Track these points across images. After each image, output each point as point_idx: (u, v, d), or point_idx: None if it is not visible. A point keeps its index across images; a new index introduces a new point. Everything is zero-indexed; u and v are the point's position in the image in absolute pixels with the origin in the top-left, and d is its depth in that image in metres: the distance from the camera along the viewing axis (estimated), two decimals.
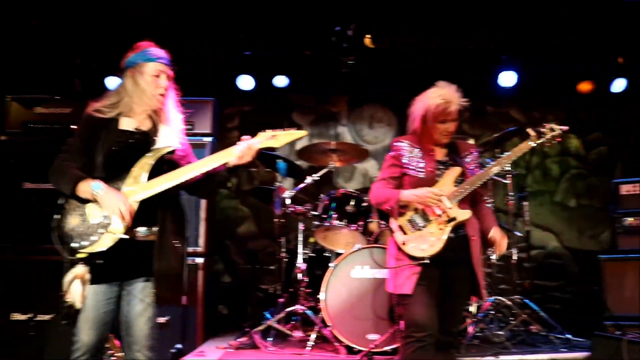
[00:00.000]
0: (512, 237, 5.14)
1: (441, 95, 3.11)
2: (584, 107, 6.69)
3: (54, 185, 2.71)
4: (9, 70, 5.21)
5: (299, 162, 5.80)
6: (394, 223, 3.12)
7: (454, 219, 3.03)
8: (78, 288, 2.58)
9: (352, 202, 4.72)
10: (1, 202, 4.35)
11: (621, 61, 6.02)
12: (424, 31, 5.74)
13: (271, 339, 4.58)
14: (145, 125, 2.83)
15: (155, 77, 2.82)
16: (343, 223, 4.68)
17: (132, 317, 2.70)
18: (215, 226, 5.79)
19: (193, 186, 2.91)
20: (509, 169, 5.00)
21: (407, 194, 3.08)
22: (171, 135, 2.84)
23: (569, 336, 4.59)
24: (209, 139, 5.00)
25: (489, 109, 6.85)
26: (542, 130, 3.14)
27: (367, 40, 5.63)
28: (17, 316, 4.15)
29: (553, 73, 6.33)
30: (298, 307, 4.64)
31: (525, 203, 5.20)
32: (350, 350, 4.20)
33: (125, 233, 2.62)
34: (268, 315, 4.88)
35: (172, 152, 2.81)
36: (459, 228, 3.09)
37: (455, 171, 3.15)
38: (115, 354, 3.50)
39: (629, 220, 4.90)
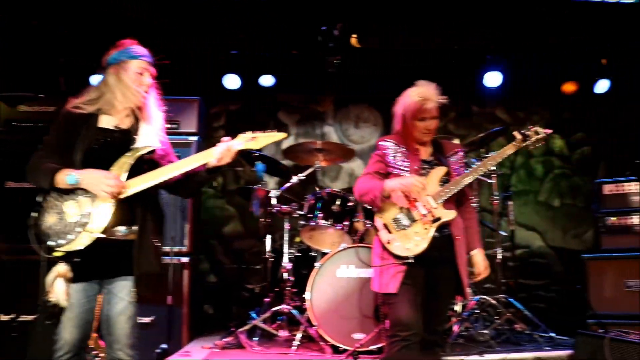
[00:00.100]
0: (496, 236, 5.18)
1: (419, 93, 3.14)
2: (568, 108, 6.77)
3: (33, 183, 2.70)
4: None
5: (284, 162, 5.80)
6: (378, 221, 3.13)
7: (439, 218, 3.05)
8: (61, 286, 2.57)
9: (338, 202, 4.72)
10: None
11: (604, 62, 6.08)
12: (410, 31, 5.76)
13: (257, 338, 4.58)
14: (126, 124, 2.83)
15: (139, 75, 2.81)
16: (329, 222, 4.68)
17: (113, 316, 2.69)
18: (200, 226, 5.78)
19: (173, 186, 2.91)
20: (494, 168, 5.03)
21: (391, 183, 3.08)
22: (152, 134, 2.84)
23: (553, 334, 4.63)
24: (195, 138, 4.99)
25: (475, 109, 6.89)
26: (527, 133, 3.17)
27: (354, 40, 5.64)
28: (0, 317, 4.11)
29: (538, 74, 6.38)
30: (284, 307, 4.64)
31: (509, 202, 5.23)
32: (335, 350, 4.21)
33: (104, 232, 2.62)
34: (254, 315, 4.88)
35: (152, 151, 2.81)
36: (444, 228, 3.10)
37: (441, 171, 3.16)
38: (100, 354, 3.49)
39: (612, 219, 4.95)
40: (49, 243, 2.59)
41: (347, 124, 6.89)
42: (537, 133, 3.15)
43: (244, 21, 5.54)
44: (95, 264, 2.65)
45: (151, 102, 2.89)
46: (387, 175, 3.20)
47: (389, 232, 3.08)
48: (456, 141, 4.65)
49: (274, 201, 4.94)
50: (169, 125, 4.94)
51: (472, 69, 6.32)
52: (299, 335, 4.37)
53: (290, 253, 4.99)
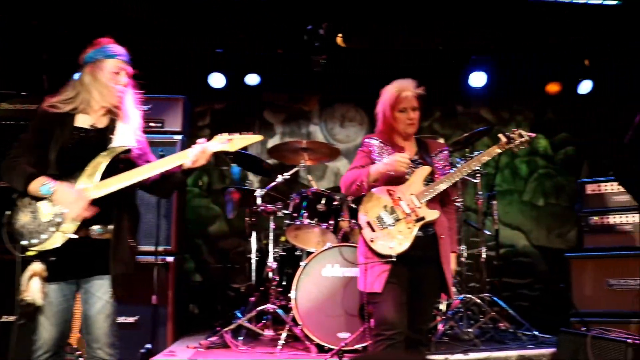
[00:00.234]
0: (481, 235, 5.21)
1: (395, 86, 3.20)
2: (552, 108, 6.83)
3: (8, 182, 2.68)
4: None
5: (270, 161, 5.79)
6: (362, 219, 3.14)
7: (422, 218, 3.06)
8: (37, 285, 2.56)
9: (323, 201, 4.72)
10: None
11: (587, 64, 6.14)
12: (396, 32, 5.78)
13: (242, 338, 4.57)
14: (102, 123, 2.82)
15: (115, 74, 2.80)
16: (314, 222, 4.68)
17: (91, 315, 2.69)
18: (186, 225, 5.76)
19: (150, 186, 2.92)
20: (478, 168, 5.05)
21: (376, 166, 3.10)
22: (128, 134, 2.83)
23: (537, 333, 4.66)
24: (179, 136, 4.97)
25: (459, 108, 6.93)
26: (511, 135, 3.19)
27: (339, 40, 5.65)
28: None
29: (522, 74, 6.43)
30: (269, 306, 4.63)
31: (494, 202, 5.26)
32: (321, 349, 4.21)
33: (79, 232, 2.61)
34: (239, 314, 4.88)
35: (129, 151, 2.80)
36: (428, 227, 3.11)
37: (425, 170, 3.17)
38: (83, 355, 3.47)
39: (594, 219, 5.00)
40: (22, 242, 2.58)
41: (332, 123, 6.90)
42: (521, 136, 3.18)
43: (230, 20, 5.53)
44: (71, 263, 2.65)
45: (128, 101, 2.87)
46: None
47: (373, 230, 3.09)
48: (441, 141, 4.68)
49: (259, 200, 4.93)
50: (153, 124, 4.98)
51: (457, 69, 6.35)
52: (284, 335, 4.36)
53: (275, 252, 4.98)
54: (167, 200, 4.77)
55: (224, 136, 2.86)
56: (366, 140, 3.30)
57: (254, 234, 5.21)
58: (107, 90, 2.77)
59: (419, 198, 3.09)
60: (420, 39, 5.84)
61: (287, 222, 4.85)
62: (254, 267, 5.15)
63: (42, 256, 2.58)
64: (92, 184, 2.65)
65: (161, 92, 5.13)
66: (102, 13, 5.14)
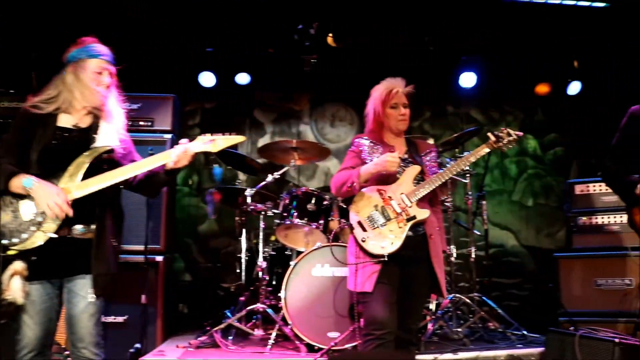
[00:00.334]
0: (471, 235, 5.23)
1: (386, 84, 3.25)
2: (542, 109, 6.87)
3: None
4: None
5: (260, 160, 5.78)
6: (353, 219, 3.14)
7: (413, 217, 3.07)
8: (18, 284, 2.55)
9: (313, 201, 4.72)
10: None
11: (576, 65, 6.17)
12: (387, 32, 5.78)
13: (232, 337, 4.56)
14: (85, 122, 2.80)
15: (98, 74, 2.79)
16: (304, 221, 4.68)
17: (75, 315, 2.68)
18: (175, 224, 5.74)
19: (136, 185, 2.92)
20: (468, 168, 5.07)
21: (366, 166, 3.11)
22: (112, 134, 2.82)
23: (525, 332, 4.68)
24: (169, 135, 4.94)
25: (450, 109, 6.96)
26: (499, 134, 3.21)
27: (330, 39, 5.64)
28: None
29: (512, 75, 6.47)
30: (259, 306, 4.62)
31: (483, 202, 5.28)
32: (310, 348, 4.20)
33: (60, 231, 2.60)
34: (229, 314, 4.87)
35: (112, 151, 2.79)
36: (418, 226, 3.12)
37: (415, 169, 3.19)
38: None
39: (583, 219, 5.04)
40: (3, 242, 2.56)
41: (323, 123, 6.90)
42: (509, 135, 3.20)
43: (220, 19, 5.51)
44: (53, 262, 2.64)
45: (111, 101, 2.86)
46: None
47: (364, 230, 3.09)
48: (430, 141, 4.70)
49: (249, 200, 4.92)
50: (143, 123, 4.95)
51: (447, 69, 6.37)
52: (274, 334, 4.35)
53: (265, 252, 4.98)
54: (157, 200, 4.74)
55: (207, 137, 2.86)
56: (356, 140, 3.30)
57: (244, 234, 5.19)
58: (89, 91, 2.76)
59: (409, 197, 3.10)
60: (410, 40, 5.85)
61: (277, 221, 4.85)
62: (243, 266, 5.13)
63: (23, 255, 2.57)
64: (74, 183, 2.64)
65: (151, 90, 5.11)
66: (91, 11, 5.11)
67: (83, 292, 2.67)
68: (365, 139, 3.27)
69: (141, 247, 4.49)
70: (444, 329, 4.71)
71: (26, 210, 2.60)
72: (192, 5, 5.30)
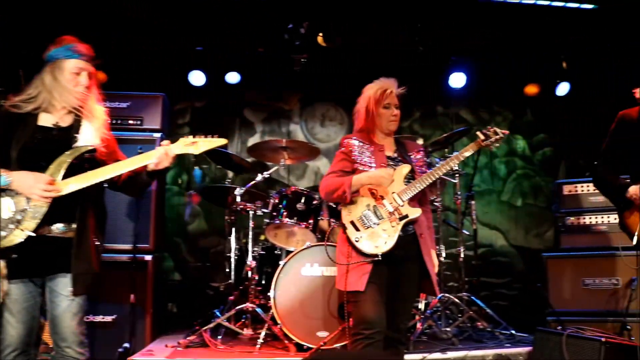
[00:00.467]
0: (460, 235, 5.25)
1: (377, 84, 3.27)
2: (531, 109, 6.91)
3: None
4: None
5: (249, 159, 5.77)
6: (346, 219, 3.14)
7: (406, 216, 3.08)
8: None
9: (303, 200, 4.72)
10: None
11: (565, 66, 6.21)
12: (376, 32, 5.79)
13: (221, 337, 4.55)
14: (66, 122, 2.79)
15: (76, 75, 2.77)
16: (293, 221, 4.68)
17: (58, 314, 2.67)
18: (165, 223, 5.72)
19: (120, 185, 2.91)
20: (457, 168, 5.09)
21: (359, 177, 3.12)
22: (94, 133, 2.80)
23: (513, 332, 4.72)
24: (158, 134, 4.93)
25: (439, 109, 6.98)
26: (487, 132, 3.23)
27: (320, 39, 5.64)
28: None
29: (501, 76, 6.50)
30: (248, 305, 4.61)
31: (472, 202, 5.29)
32: (300, 348, 4.21)
33: (39, 229, 2.59)
34: (218, 313, 4.86)
35: (94, 150, 2.77)
36: (408, 226, 3.13)
37: (405, 168, 3.19)
38: None
39: (571, 219, 5.07)
40: None
41: (313, 122, 6.90)
42: (496, 133, 3.23)
43: (210, 18, 5.50)
44: (33, 260, 2.63)
45: (92, 100, 2.84)
46: (352, 172, 3.21)
47: (357, 229, 3.09)
48: (420, 141, 4.71)
49: (238, 199, 4.91)
50: (132, 121, 4.93)
51: (437, 70, 6.39)
52: (263, 334, 4.35)
53: (254, 251, 4.97)
54: (146, 199, 4.72)
55: (189, 139, 2.87)
56: (345, 140, 3.30)
57: (233, 233, 5.19)
58: (67, 92, 2.74)
59: (400, 196, 3.10)
60: (400, 40, 5.86)
61: (267, 220, 4.84)
62: (233, 265, 5.13)
63: (2, 253, 2.55)
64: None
65: (140, 89, 5.08)
66: (79, 9, 5.08)
67: (65, 292, 2.66)
68: (355, 139, 3.27)
69: (130, 246, 4.48)
70: (433, 328, 4.72)
71: (6, 207, 2.58)
72: (182, 4, 5.28)
